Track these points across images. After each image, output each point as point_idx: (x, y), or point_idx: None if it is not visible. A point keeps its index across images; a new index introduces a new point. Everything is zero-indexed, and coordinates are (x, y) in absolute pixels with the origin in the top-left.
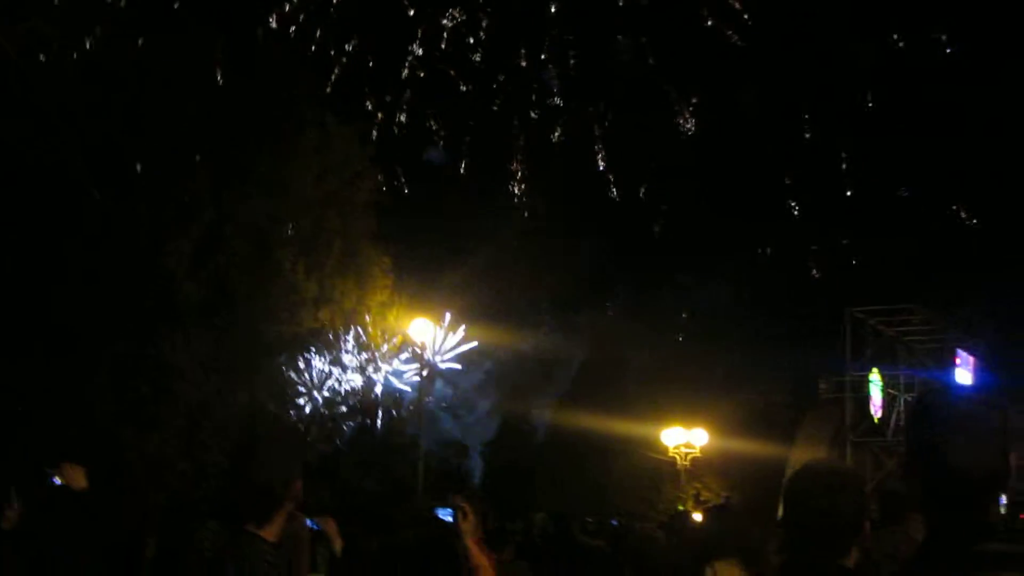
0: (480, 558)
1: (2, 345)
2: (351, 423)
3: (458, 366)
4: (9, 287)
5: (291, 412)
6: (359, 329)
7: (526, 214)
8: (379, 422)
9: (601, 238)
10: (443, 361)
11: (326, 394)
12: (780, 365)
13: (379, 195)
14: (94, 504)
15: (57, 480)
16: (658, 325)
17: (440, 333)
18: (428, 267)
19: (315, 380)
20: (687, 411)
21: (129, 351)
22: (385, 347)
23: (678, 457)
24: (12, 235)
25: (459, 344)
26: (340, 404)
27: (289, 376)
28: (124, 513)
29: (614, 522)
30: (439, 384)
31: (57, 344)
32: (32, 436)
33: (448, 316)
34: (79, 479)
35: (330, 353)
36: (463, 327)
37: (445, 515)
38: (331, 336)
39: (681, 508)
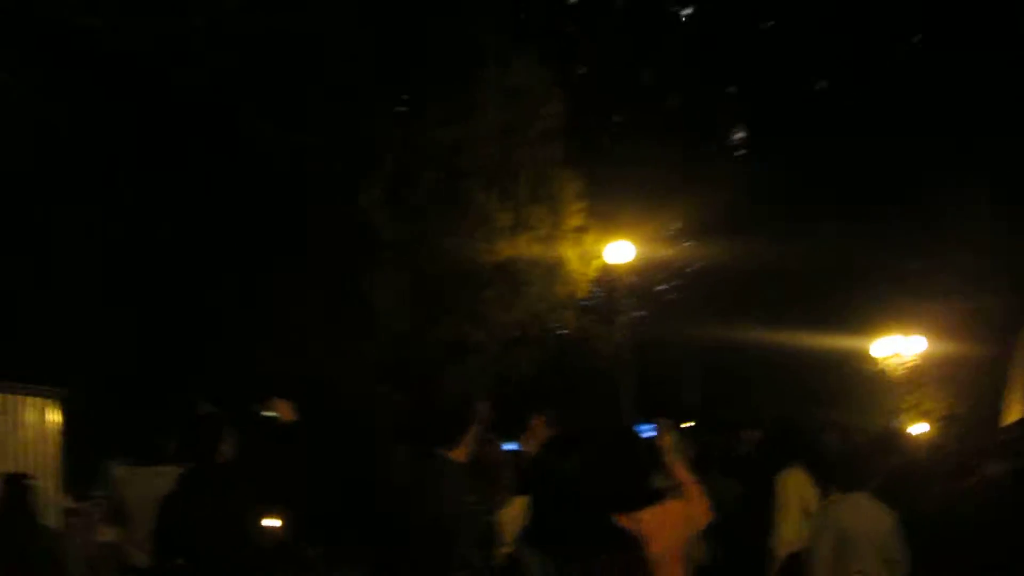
0: (684, 474)
1: (216, 285)
2: (555, 346)
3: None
4: (205, 228)
5: (495, 339)
6: (556, 254)
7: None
8: (583, 346)
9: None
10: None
11: (527, 319)
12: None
13: (570, 118)
14: (303, 436)
15: (266, 414)
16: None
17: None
18: (626, 187)
19: (516, 306)
20: (906, 317)
21: (331, 289)
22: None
23: (889, 367)
24: (203, 168)
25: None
26: (544, 328)
27: (490, 304)
28: (332, 445)
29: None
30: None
31: (262, 285)
32: (244, 371)
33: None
34: (288, 412)
35: (528, 280)
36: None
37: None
38: (528, 263)
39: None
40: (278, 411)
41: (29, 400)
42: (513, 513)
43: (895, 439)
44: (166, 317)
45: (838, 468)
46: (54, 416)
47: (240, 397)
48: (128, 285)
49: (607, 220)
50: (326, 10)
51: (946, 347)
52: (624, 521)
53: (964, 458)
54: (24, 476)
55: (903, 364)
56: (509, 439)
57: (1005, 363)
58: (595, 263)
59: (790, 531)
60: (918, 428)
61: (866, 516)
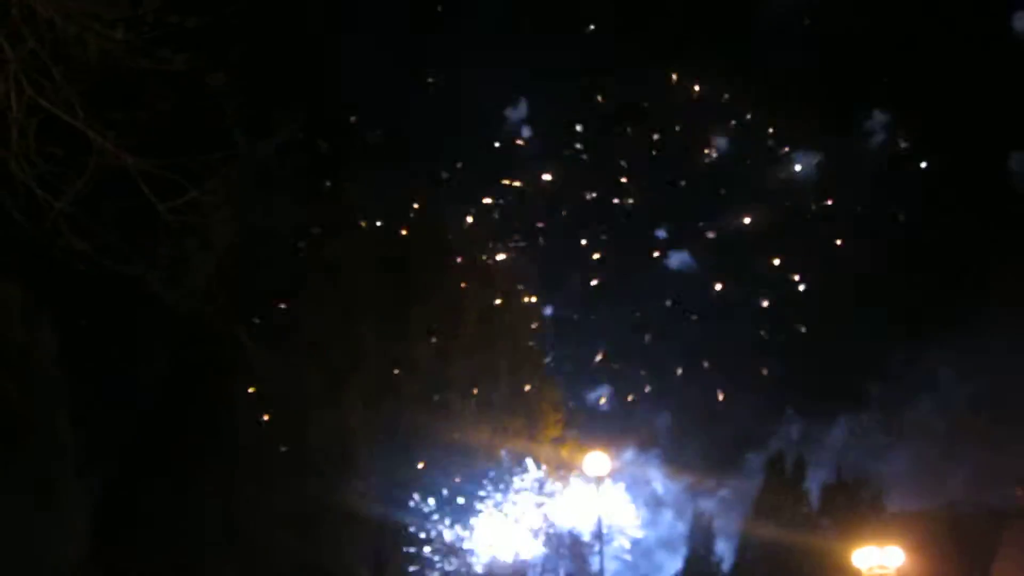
0: None
1: None
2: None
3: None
4: None
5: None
6: (535, 465)
7: None
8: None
9: None
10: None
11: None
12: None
13: (544, 327)
14: None
15: None
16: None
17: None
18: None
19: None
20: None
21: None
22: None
23: None
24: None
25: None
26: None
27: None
28: None
29: None
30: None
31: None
32: None
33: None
34: None
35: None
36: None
37: None
38: (507, 475)
39: None
40: None
41: None
42: None
43: None
44: None
45: None
46: None
47: None
48: None
49: (584, 429)
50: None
51: (924, 561)
52: None
53: None
54: None
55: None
56: None
57: None
58: (572, 475)
59: None
60: None
61: None
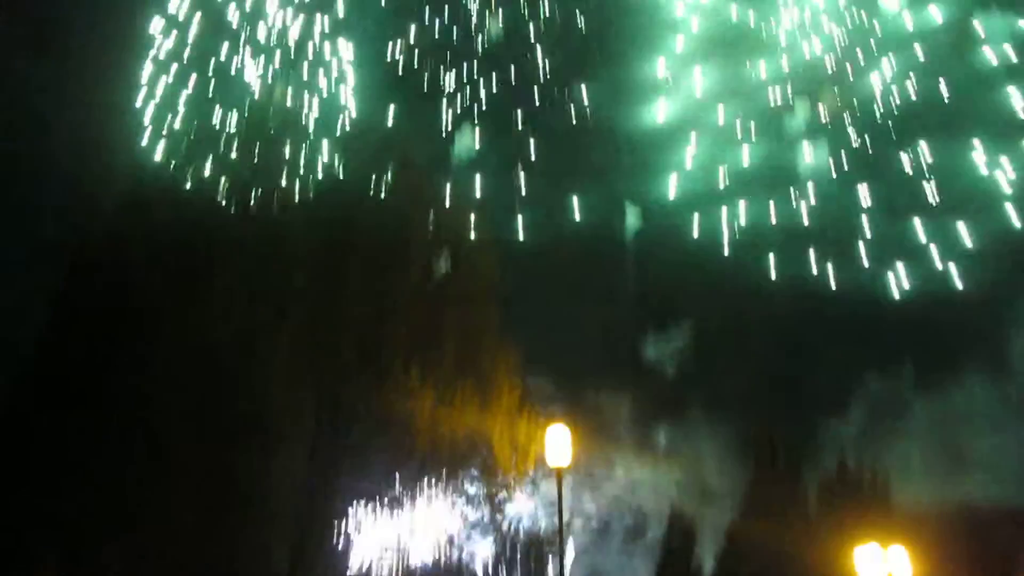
0: None
1: None
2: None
3: None
4: None
5: None
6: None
7: None
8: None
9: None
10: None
11: None
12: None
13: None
14: None
15: None
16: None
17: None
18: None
19: None
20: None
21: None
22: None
23: None
24: None
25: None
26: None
27: None
28: None
29: None
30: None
31: None
32: None
33: None
34: None
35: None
36: None
37: None
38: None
39: None
40: None
41: None
42: None
43: None
44: None
45: None
46: None
47: None
48: None
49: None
50: None
51: (935, 565)
52: None
53: None
54: None
55: None
56: None
57: None
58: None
59: None
60: None
61: None
